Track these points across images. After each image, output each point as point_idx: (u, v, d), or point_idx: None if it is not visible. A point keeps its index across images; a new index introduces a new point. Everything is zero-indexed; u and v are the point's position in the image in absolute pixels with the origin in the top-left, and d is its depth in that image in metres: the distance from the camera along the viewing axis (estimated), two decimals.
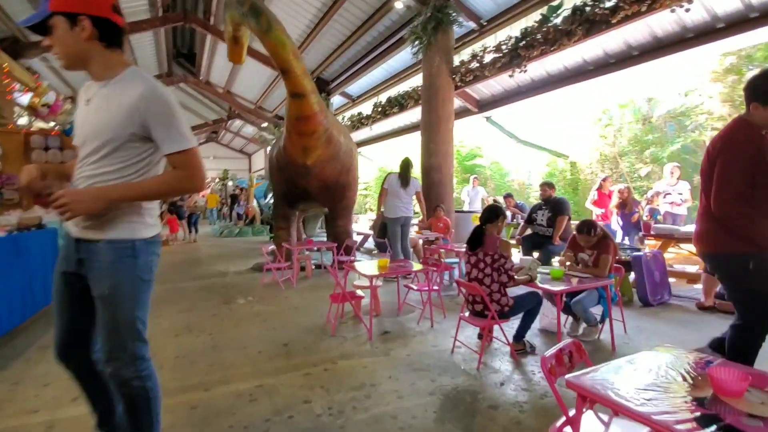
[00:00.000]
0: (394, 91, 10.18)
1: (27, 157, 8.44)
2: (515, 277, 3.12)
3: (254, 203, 14.04)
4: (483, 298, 3.03)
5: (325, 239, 8.86)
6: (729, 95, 6.71)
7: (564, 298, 3.46)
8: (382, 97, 10.48)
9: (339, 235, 6.87)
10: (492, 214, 3.32)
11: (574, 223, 6.96)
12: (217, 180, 23.63)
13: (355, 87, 11.99)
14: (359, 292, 4.22)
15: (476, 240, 3.25)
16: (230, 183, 20.72)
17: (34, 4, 8.93)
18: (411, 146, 10.77)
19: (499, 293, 3.11)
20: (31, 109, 5.41)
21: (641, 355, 1.68)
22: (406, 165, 6.07)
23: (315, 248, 6.38)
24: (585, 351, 1.79)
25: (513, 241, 6.15)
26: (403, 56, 9.58)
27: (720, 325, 3.79)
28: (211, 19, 11.35)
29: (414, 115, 10.09)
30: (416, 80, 9.50)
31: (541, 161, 10.27)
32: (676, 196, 6.34)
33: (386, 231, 6.50)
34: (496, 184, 11.12)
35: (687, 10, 4.49)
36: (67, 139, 8.53)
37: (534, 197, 10.01)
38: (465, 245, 3.47)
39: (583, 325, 3.63)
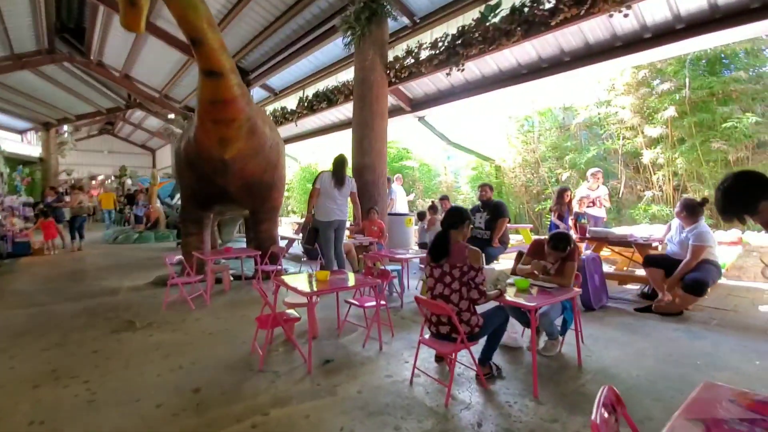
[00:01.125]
0: (321, 86, 9.42)
1: None
2: (487, 292, 2.64)
3: (158, 204, 12.19)
4: (451, 318, 2.49)
5: (245, 246, 7.79)
6: (639, 106, 7.12)
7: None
8: (309, 92, 9.66)
9: (263, 242, 5.95)
10: (456, 218, 2.80)
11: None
12: (112, 178, 20.54)
13: (277, 80, 10.95)
14: (292, 311, 3.45)
15: (440, 249, 2.71)
16: (129, 181, 18.06)
17: None
18: (339, 144, 10.11)
19: (468, 312, 2.60)
20: None
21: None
22: (340, 162, 5.37)
23: (234, 257, 5.39)
24: (621, 398, 1.31)
25: None
26: (332, 49, 8.88)
27: (665, 329, 3.73)
28: None
29: (344, 111, 9.44)
30: (345, 75, 8.86)
31: (468, 164, 10.25)
32: (597, 200, 6.53)
33: (316, 236, 5.76)
34: (425, 186, 10.90)
35: (625, 15, 4.48)
36: None
37: (462, 200, 9.94)
38: (418, 252, 2.92)
39: (544, 338, 3.30)
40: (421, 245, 6.87)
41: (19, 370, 2.98)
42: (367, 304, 3.49)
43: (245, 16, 8.79)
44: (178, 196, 14.74)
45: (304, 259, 6.11)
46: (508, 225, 5.92)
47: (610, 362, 3.03)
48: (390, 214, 7.57)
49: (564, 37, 5.67)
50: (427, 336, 2.78)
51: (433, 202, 6.66)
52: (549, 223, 7.02)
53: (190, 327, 3.93)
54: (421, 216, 7.11)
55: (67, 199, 9.73)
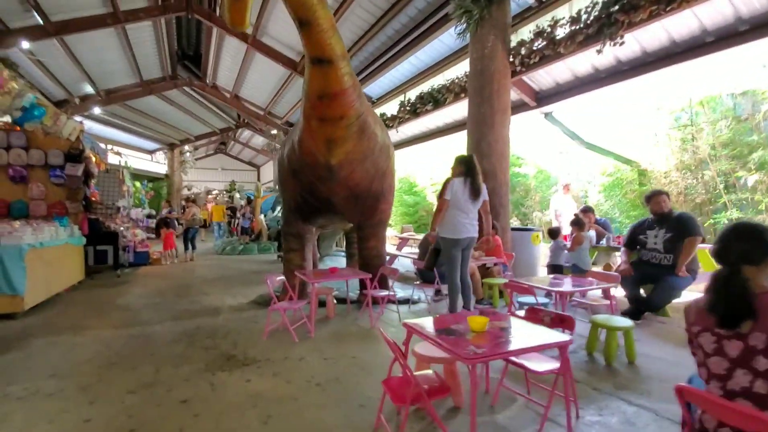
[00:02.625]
0: (422, 88, 8.51)
1: None
2: None
3: (261, 217, 12.29)
4: None
5: (344, 262, 7.06)
6: None
7: None
8: (410, 94, 8.81)
9: (370, 260, 5.07)
10: (756, 245, 1.50)
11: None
12: (224, 192, 22.04)
13: (374, 86, 10.33)
14: (428, 372, 2.40)
15: (736, 303, 1.44)
16: (237, 195, 19.07)
17: None
18: (442, 151, 9.06)
19: None
20: None
21: None
22: (473, 165, 4.23)
23: (341, 279, 4.57)
24: None
25: (615, 273, 4.31)
26: (436, 47, 7.92)
27: None
28: (217, 10, 9.82)
29: (450, 113, 8.38)
30: (454, 72, 7.82)
31: (603, 169, 8.42)
32: None
33: (436, 257, 4.73)
34: (542, 197, 9.30)
35: None
36: (37, 137, 6.86)
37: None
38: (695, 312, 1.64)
39: None
40: (554, 268, 5.46)
41: (95, 424, 2.35)
42: (542, 368, 2.30)
43: (346, 20, 8.27)
44: (279, 209, 14.97)
45: (417, 283, 5.09)
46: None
47: None
48: (514, 230, 6.26)
49: None
50: None
51: (576, 215, 5.20)
52: None
53: (293, 370, 3.10)
54: (553, 233, 5.68)
55: (181, 212, 10.07)
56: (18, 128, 6.30)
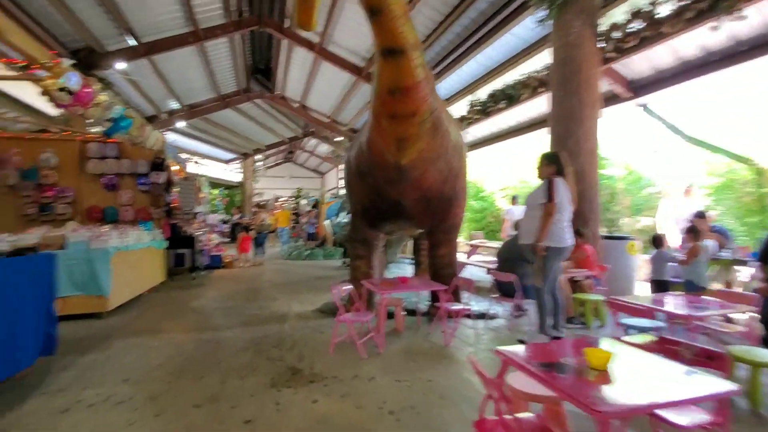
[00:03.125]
0: (493, 86, 7.93)
1: (83, 167, 7.44)
2: None
3: (326, 222, 12.36)
4: None
5: (410, 269, 6.67)
6: None
7: None
8: (480, 94, 8.26)
9: (441, 269, 4.64)
10: None
11: None
12: (290, 198, 22.82)
13: (441, 87, 9.87)
14: (529, 415, 1.93)
15: None
16: (303, 201, 19.61)
17: (110, 16, 8.14)
18: (515, 152, 8.38)
19: None
20: (47, 94, 3.98)
21: None
22: (564, 164, 3.70)
23: (412, 290, 4.20)
24: None
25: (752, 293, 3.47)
26: (508, 41, 7.31)
27: None
28: (285, 22, 10.07)
29: (525, 111, 7.71)
30: (526, 68, 7.17)
31: (702, 168, 7.23)
32: None
33: (515, 267, 4.19)
34: (633, 201, 8.21)
35: None
36: (126, 148, 7.40)
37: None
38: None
39: None
40: (658, 284, 4.62)
41: None
42: (688, 421, 1.73)
43: (413, 20, 7.96)
44: (342, 214, 15.03)
45: (495, 296, 4.57)
46: None
47: None
48: (606, 238, 5.48)
49: None
50: None
51: (692, 224, 4.34)
52: None
53: (363, 392, 2.77)
54: (656, 241, 4.83)
55: (251, 217, 10.38)
56: (112, 140, 6.81)
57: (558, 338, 3.75)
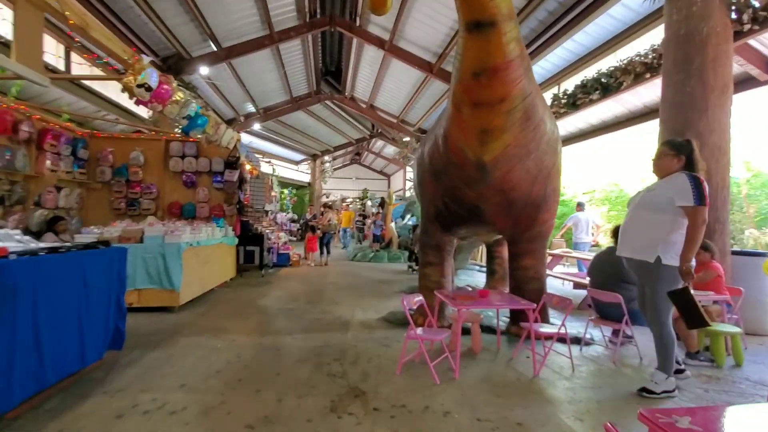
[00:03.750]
0: (583, 76, 6.97)
1: (166, 165, 7.80)
2: None
3: (391, 225, 12.02)
4: None
5: (480, 277, 5.99)
6: None
7: None
8: (566, 85, 7.35)
9: (525, 283, 3.99)
10: None
11: None
12: (356, 200, 22.95)
13: None
14: None
15: None
16: (369, 203, 19.53)
17: (196, 23, 8.54)
18: (603, 151, 7.32)
19: None
20: (127, 91, 4.02)
21: None
22: (696, 156, 2.88)
23: (493, 307, 3.61)
24: None
25: None
26: (601, 24, 6.37)
27: None
28: (357, 20, 9.90)
29: (623, 102, 6.65)
30: (624, 53, 6.17)
31: None
32: None
33: (615, 285, 3.42)
34: (759, 208, 6.75)
35: None
36: (203, 146, 7.60)
37: None
38: None
39: None
40: None
41: None
42: None
43: None
44: (409, 217, 14.60)
45: (593, 317, 3.80)
46: None
47: None
48: (736, 253, 4.42)
49: None
50: None
51: None
52: None
53: (437, 430, 2.28)
54: None
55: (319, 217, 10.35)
56: (192, 139, 7.03)
57: (680, 371, 2.96)
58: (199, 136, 5.71)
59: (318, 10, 9.86)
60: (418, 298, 3.32)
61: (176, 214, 7.13)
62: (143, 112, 9.18)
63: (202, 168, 7.26)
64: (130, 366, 3.17)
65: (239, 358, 3.34)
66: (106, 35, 3.90)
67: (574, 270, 8.22)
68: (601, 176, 10.51)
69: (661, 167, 2.91)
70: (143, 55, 4.11)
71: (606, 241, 11.68)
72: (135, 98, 4.20)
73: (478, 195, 3.72)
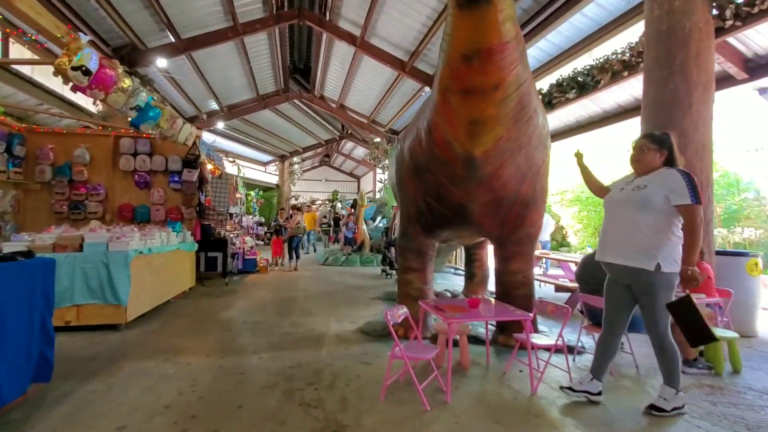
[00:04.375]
0: (558, 75, 6.86)
1: (115, 163, 7.02)
2: None
3: (364, 227, 11.59)
4: None
5: (458, 281, 5.68)
6: None
7: None
8: (541, 84, 7.21)
9: (514, 289, 3.69)
10: None
11: None
12: (326, 202, 22.37)
13: None
14: None
15: None
16: (339, 205, 19.01)
17: (151, 11, 7.79)
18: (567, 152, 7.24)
19: None
20: (60, 74, 3.39)
21: None
22: (674, 150, 2.61)
23: (488, 318, 3.26)
24: None
25: None
26: (575, 23, 6.26)
27: None
28: (327, 15, 9.43)
29: (599, 100, 6.59)
30: (600, 51, 6.08)
31: None
32: None
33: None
34: (726, 209, 6.86)
35: None
36: (158, 143, 6.85)
37: None
38: None
39: None
40: None
41: None
42: None
43: None
44: (380, 218, 14.21)
45: (585, 324, 3.55)
46: None
47: None
48: (719, 253, 4.32)
49: None
50: None
51: None
52: None
53: None
54: None
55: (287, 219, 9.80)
56: (146, 135, 6.32)
57: None
58: (151, 130, 5.08)
59: (286, 3, 9.31)
60: (403, 311, 2.92)
61: (128, 217, 6.39)
62: (92, 105, 8.31)
63: (157, 167, 6.55)
64: (58, 402, 2.58)
65: (194, 388, 2.81)
66: (35, 8, 3.28)
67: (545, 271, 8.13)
68: (572, 177, 10.60)
69: (643, 162, 2.60)
70: (80, 34, 3.49)
71: (577, 242, 11.77)
72: (71, 84, 3.56)
73: (465, 193, 3.38)
